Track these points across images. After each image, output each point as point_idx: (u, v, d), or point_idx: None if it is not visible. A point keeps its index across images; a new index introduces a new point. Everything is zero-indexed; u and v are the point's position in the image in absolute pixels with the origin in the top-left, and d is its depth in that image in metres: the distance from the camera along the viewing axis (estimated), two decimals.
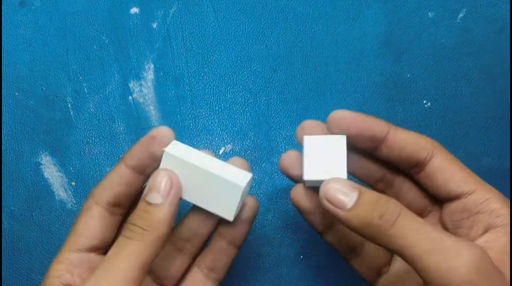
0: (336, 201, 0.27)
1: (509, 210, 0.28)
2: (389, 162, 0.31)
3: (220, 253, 0.32)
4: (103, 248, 0.31)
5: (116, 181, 0.31)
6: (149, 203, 0.28)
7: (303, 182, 0.31)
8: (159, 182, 0.28)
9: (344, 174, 0.29)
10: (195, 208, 0.32)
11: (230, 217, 0.30)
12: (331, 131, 0.30)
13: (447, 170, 0.29)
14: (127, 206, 0.32)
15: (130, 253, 0.26)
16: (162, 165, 0.30)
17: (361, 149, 0.31)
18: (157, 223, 0.27)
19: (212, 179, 0.29)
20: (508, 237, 0.27)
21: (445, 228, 0.30)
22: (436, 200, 0.31)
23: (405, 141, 0.29)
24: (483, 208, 0.28)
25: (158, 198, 0.28)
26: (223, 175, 0.29)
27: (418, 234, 0.25)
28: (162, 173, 0.28)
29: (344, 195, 0.27)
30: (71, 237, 0.30)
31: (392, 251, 0.26)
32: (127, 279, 0.26)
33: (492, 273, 0.25)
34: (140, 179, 0.31)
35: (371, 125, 0.29)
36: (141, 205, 0.28)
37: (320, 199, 0.27)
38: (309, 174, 0.30)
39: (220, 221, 0.33)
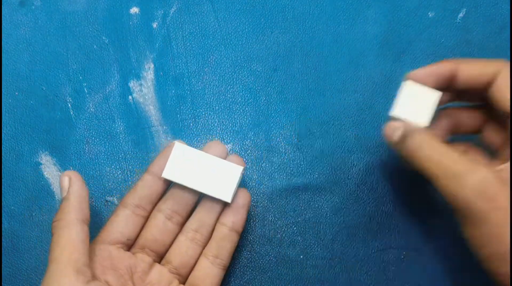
0: (388, 134, 0.35)
1: None
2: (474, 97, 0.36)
3: (223, 240, 0.36)
4: (129, 245, 0.36)
5: (139, 185, 0.37)
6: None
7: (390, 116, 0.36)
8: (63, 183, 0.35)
9: (426, 122, 0.35)
10: (202, 201, 0.37)
11: (228, 198, 0.36)
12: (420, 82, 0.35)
13: (505, 88, 0.33)
14: (149, 208, 0.37)
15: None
16: (171, 155, 0.36)
17: (451, 91, 0.36)
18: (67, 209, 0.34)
19: (215, 163, 0.36)
20: None
21: None
22: None
23: (471, 72, 0.34)
24: None
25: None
26: (224, 161, 0.36)
27: (432, 159, 0.32)
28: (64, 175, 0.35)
29: (393, 131, 0.34)
30: (101, 232, 0.36)
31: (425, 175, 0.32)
32: (74, 241, 0.32)
33: (494, 193, 0.29)
34: (159, 184, 0.37)
35: (441, 67, 0.34)
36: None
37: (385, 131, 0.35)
38: (397, 111, 0.35)
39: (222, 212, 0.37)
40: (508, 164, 0.32)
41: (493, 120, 0.36)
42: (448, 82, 0.35)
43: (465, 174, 0.30)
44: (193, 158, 0.36)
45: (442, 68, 0.34)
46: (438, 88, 0.35)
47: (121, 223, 0.36)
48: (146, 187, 0.36)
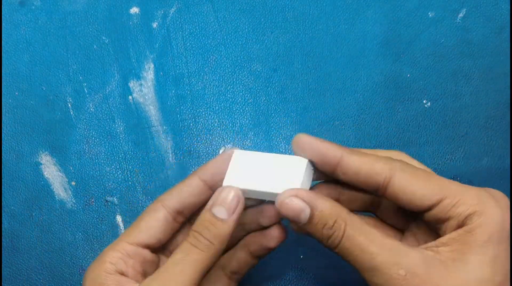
0: (292, 214, 0.28)
1: (490, 202, 0.28)
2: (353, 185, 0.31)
3: (245, 264, 0.34)
4: (157, 249, 0.33)
5: (186, 191, 0.33)
6: (215, 216, 0.30)
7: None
8: (227, 198, 0.30)
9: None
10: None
11: (298, 184, 0.30)
12: (296, 153, 0.31)
13: (408, 188, 0.28)
14: (188, 215, 0.34)
15: (195, 260, 0.29)
16: (231, 163, 0.32)
17: (323, 173, 0.31)
18: (221, 238, 0.30)
19: (278, 161, 0.31)
20: (486, 233, 0.27)
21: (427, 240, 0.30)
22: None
23: (359, 166, 0.29)
24: (452, 213, 0.28)
25: (224, 213, 0.30)
26: (287, 156, 0.31)
27: (362, 249, 0.28)
28: (230, 190, 0.30)
29: (297, 212, 0.28)
30: (131, 231, 0.32)
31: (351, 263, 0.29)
32: (192, 280, 0.29)
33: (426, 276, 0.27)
34: (208, 194, 0.32)
35: (323, 149, 0.29)
36: (206, 216, 0.30)
37: (278, 208, 0.29)
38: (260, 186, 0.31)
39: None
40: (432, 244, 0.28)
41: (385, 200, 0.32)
42: (331, 169, 0.30)
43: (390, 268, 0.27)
44: (253, 160, 0.32)
45: (327, 150, 0.29)
46: (324, 171, 0.30)
47: (160, 228, 0.32)
48: (193, 195, 0.33)
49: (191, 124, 0.43)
